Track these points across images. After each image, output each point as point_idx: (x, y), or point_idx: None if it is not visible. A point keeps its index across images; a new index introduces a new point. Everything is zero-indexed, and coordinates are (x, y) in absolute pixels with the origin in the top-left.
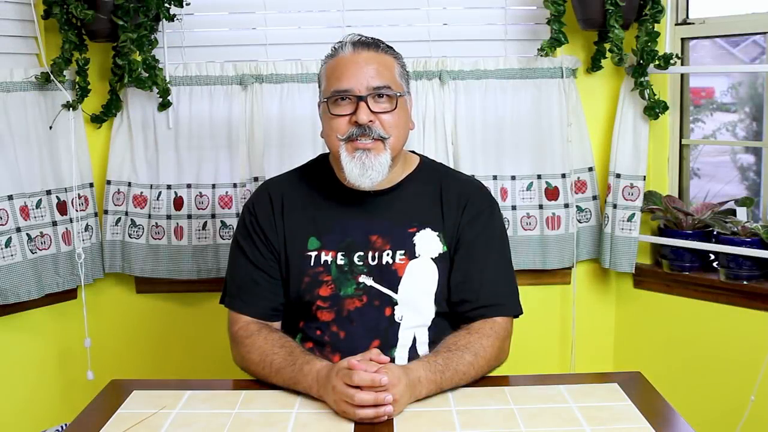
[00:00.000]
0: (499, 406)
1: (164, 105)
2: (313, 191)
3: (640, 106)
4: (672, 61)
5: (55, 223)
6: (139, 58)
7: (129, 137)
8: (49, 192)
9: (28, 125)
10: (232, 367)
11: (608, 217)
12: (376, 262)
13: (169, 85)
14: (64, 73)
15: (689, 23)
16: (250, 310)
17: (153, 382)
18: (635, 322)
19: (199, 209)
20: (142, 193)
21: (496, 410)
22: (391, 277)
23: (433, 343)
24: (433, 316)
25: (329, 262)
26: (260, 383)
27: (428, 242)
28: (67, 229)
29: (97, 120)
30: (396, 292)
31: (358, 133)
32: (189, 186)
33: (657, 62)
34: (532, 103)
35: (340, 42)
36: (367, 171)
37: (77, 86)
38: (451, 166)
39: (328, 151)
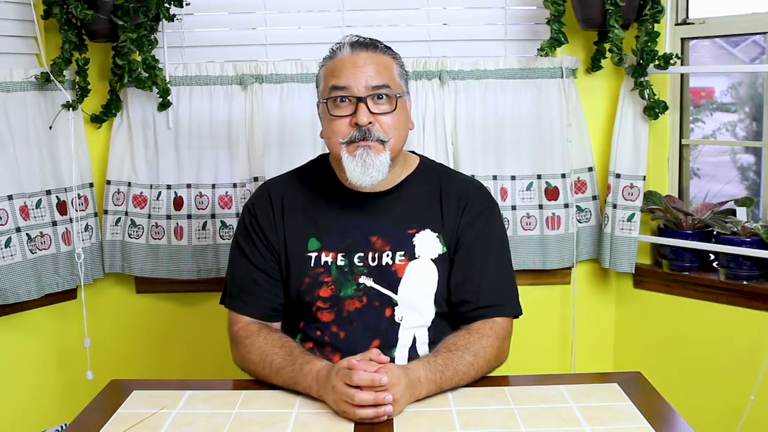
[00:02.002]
0: (499, 406)
1: (164, 105)
2: (313, 192)
3: (640, 106)
4: (672, 61)
5: (55, 223)
6: (139, 58)
7: (129, 137)
8: (49, 192)
9: (28, 125)
10: (232, 367)
11: (608, 217)
12: (376, 263)
13: (169, 85)
14: (64, 73)
15: (689, 23)
16: (250, 311)
17: (153, 382)
18: (635, 322)
19: (199, 209)
20: (142, 193)
21: (496, 410)
22: (391, 277)
23: (432, 344)
24: (433, 316)
25: (329, 263)
26: (260, 383)
27: (428, 243)
28: (66, 229)
29: (97, 120)
30: (396, 293)
31: (359, 137)
32: (189, 186)
33: (657, 62)
34: (532, 103)
35: (338, 43)
36: (368, 169)
37: (77, 86)
38: (451, 166)
39: (328, 151)
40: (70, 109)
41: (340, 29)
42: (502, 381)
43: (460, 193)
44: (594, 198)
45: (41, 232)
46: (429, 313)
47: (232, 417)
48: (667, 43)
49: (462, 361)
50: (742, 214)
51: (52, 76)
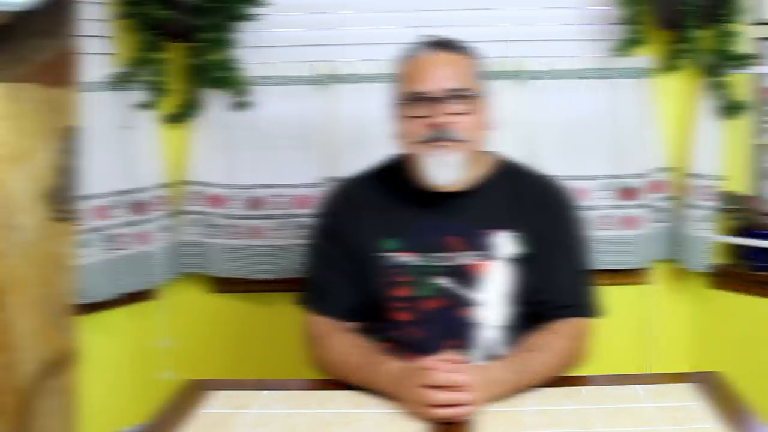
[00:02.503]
0: (575, 406)
1: (242, 105)
2: (389, 192)
3: (717, 106)
4: (749, 61)
5: (132, 223)
6: (216, 58)
7: (206, 137)
8: (126, 192)
9: (104, 125)
10: (308, 367)
11: (685, 218)
12: (452, 263)
13: (246, 85)
14: (141, 73)
15: (765, 23)
16: (327, 311)
17: (230, 382)
18: (713, 323)
19: (276, 209)
20: (219, 193)
21: (572, 410)
22: (467, 278)
23: (510, 344)
24: (510, 317)
25: (406, 263)
26: (336, 383)
27: (505, 243)
28: (144, 229)
29: (174, 120)
30: (473, 294)
31: (436, 137)
32: (266, 186)
33: (734, 62)
34: (608, 103)
35: (416, 43)
36: (444, 169)
37: (154, 86)
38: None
39: (402, 151)
40: (147, 109)
41: (416, 29)
42: (580, 381)
43: (538, 192)
44: (671, 198)
45: (118, 233)
46: (506, 313)
47: (309, 417)
48: (744, 43)
49: (540, 362)
50: None
51: (128, 76)
